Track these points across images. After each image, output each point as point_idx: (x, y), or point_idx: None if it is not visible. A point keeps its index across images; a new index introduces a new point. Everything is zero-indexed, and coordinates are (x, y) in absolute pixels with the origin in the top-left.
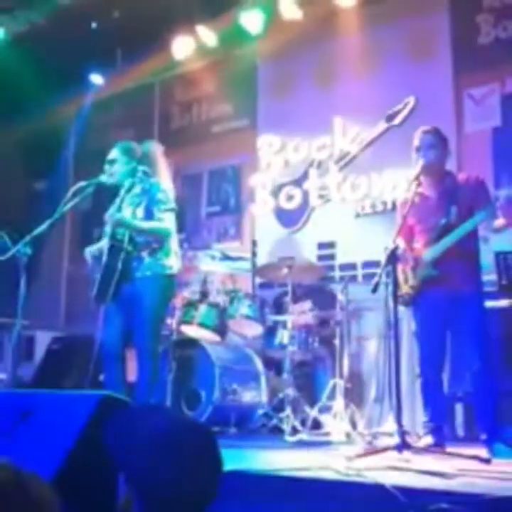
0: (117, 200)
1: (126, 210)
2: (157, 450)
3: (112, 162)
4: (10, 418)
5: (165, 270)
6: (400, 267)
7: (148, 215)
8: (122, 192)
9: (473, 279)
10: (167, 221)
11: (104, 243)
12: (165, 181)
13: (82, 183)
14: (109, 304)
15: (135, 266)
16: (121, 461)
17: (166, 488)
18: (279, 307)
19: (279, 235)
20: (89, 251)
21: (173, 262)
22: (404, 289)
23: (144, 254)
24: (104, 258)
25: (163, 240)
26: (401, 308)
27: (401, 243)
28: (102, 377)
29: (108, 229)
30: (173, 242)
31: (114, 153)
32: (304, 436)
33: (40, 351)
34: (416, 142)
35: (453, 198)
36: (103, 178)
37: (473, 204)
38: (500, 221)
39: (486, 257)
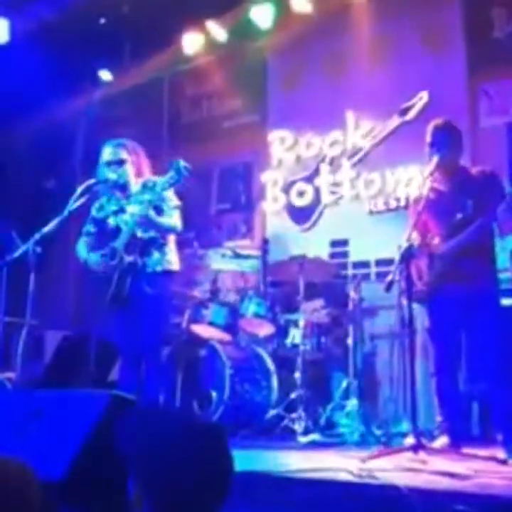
0: (125, 202)
1: (133, 208)
2: (167, 450)
3: (122, 162)
4: (20, 417)
5: (171, 265)
6: (414, 264)
7: (156, 212)
8: (137, 189)
9: (488, 275)
10: (175, 218)
11: (119, 241)
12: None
13: (91, 182)
14: (127, 305)
15: (145, 261)
16: (131, 461)
17: (176, 488)
18: (290, 306)
19: (290, 233)
20: (96, 255)
21: (176, 258)
22: (419, 286)
23: (153, 249)
24: (125, 257)
25: (168, 236)
26: (415, 306)
27: (416, 239)
28: (111, 377)
29: (125, 226)
30: (173, 239)
31: (121, 153)
32: (316, 436)
33: (49, 350)
34: (429, 137)
35: (468, 193)
36: (112, 176)
37: (488, 198)
38: None
39: (501, 255)
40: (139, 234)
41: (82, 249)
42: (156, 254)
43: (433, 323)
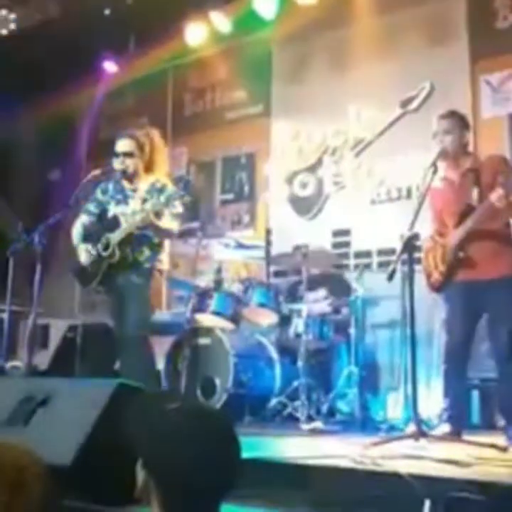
0: (130, 194)
1: (135, 204)
2: (175, 437)
3: (131, 154)
4: (28, 404)
5: (161, 264)
6: (430, 253)
7: (157, 213)
8: (139, 185)
9: (503, 260)
10: (175, 224)
11: (116, 234)
12: (164, 175)
13: (96, 172)
14: (113, 292)
15: (136, 257)
16: (139, 448)
17: (184, 475)
18: (293, 295)
19: (293, 223)
20: (86, 245)
21: (166, 257)
22: (435, 276)
23: (146, 247)
24: (117, 251)
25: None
26: (419, 295)
27: (421, 228)
28: (117, 365)
29: (125, 223)
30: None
31: (130, 145)
32: (318, 424)
33: (55, 339)
34: (434, 127)
35: (475, 180)
36: (119, 167)
37: (496, 184)
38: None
39: None
40: (136, 231)
41: (77, 233)
42: (147, 252)
43: (448, 313)
